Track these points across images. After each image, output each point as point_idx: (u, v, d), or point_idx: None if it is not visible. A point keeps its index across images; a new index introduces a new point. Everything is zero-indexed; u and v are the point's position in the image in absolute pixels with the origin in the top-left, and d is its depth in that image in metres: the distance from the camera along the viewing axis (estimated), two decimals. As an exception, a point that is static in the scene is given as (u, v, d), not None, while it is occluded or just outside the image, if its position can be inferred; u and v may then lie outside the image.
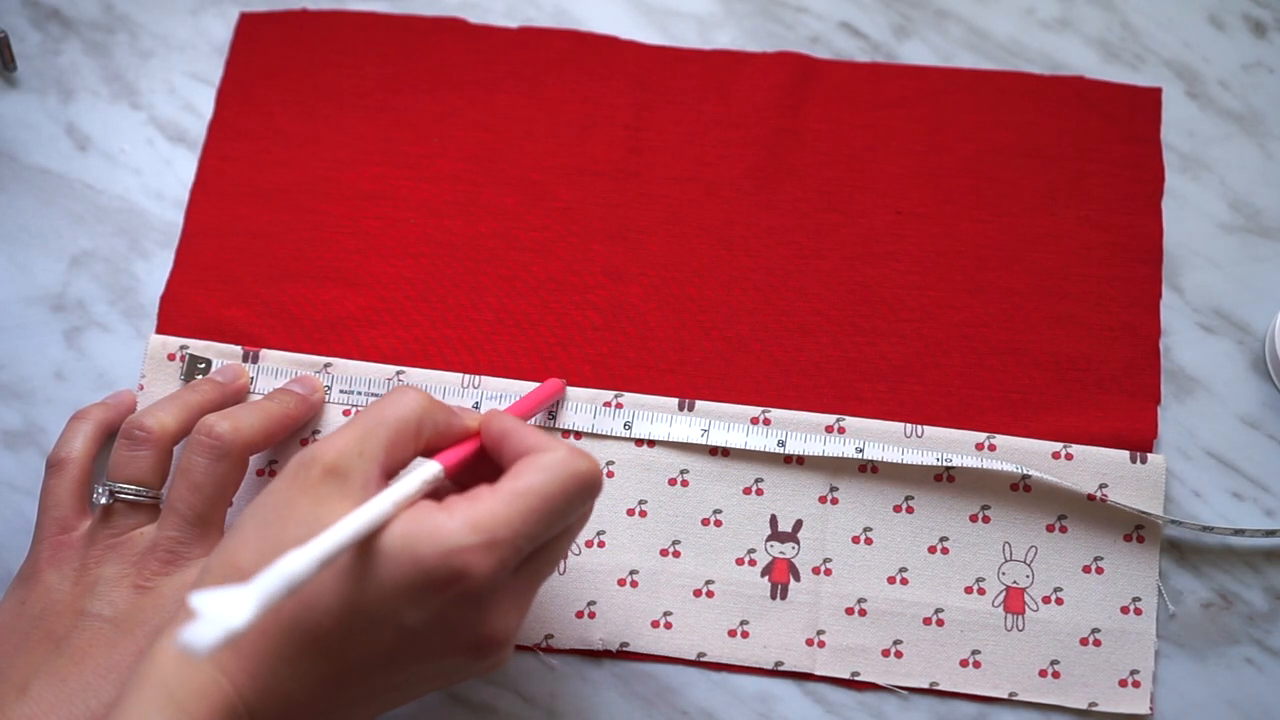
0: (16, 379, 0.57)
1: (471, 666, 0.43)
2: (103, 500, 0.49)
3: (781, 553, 0.54)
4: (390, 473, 0.43)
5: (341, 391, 0.56)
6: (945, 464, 0.54)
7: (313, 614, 0.40)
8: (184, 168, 0.60)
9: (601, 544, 0.54)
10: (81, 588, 0.48)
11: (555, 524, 0.42)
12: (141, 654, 0.45)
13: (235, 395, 0.55)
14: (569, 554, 0.54)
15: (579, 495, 0.42)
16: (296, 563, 0.36)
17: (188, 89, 0.62)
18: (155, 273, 0.59)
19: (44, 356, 0.58)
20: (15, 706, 0.44)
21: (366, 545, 0.40)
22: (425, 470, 0.42)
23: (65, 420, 0.54)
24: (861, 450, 0.54)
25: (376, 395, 0.56)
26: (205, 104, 0.61)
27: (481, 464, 0.45)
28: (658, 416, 0.55)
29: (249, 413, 0.51)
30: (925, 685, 0.53)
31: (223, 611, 0.33)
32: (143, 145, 0.61)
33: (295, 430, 0.54)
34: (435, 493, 0.43)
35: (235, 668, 0.39)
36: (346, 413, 0.56)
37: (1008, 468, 0.53)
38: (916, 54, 0.62)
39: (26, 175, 0.60)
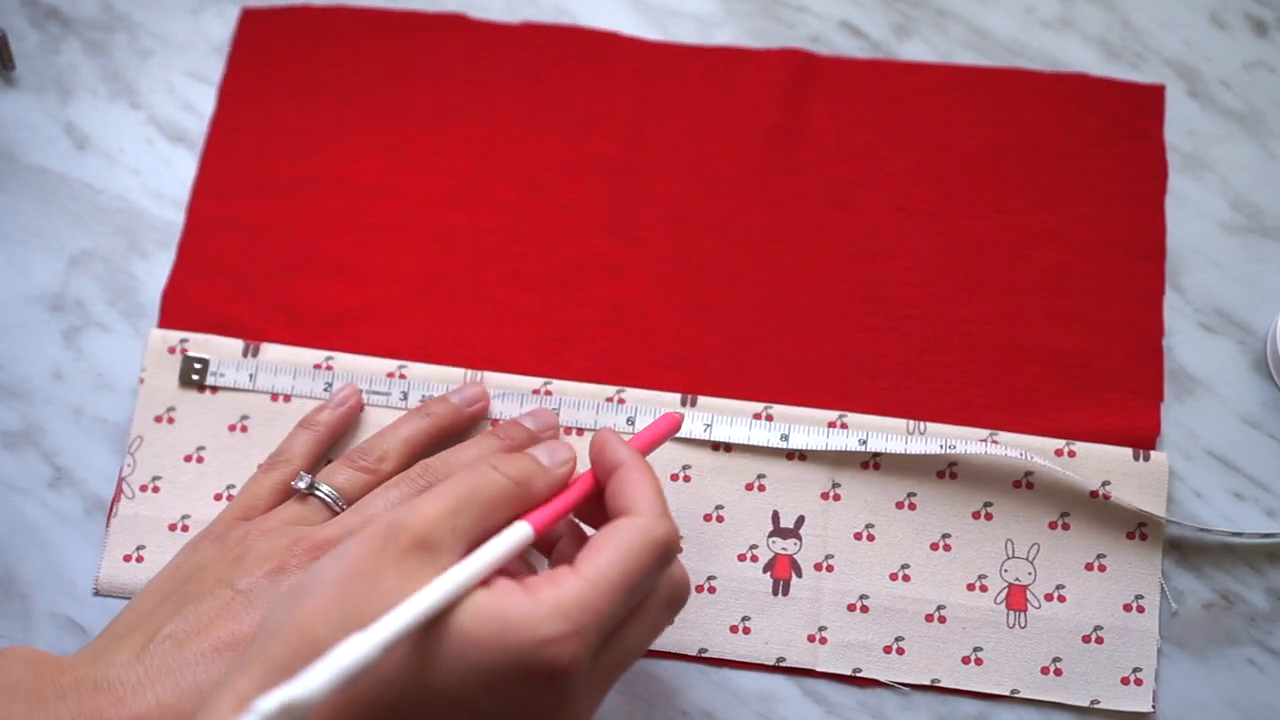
0: (15, 379, 0.57)
1: None
2: (300, 486, 0.49)
3: (783, 549, 0.54)
4: (478, 545, 0.41)
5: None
6: (949, 450, 0.53)
7: (390, 691, 0.38)
8: (183, 167, 0.60)
9: (602, 541, 0.54)
10: (232, 558, 0.46)
11: (635, 597, 0.40)
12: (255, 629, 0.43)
13: (471, 419, 0.55)
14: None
15: (657, 565, 0.41)
16: (363, 646, 0.35)
17: (187, 88, 0.62)
18: (154, 272, 0.58)
19: (43, 356, 0.57)
20: (128, 668, 0.43)
21: (446, 625, 0.38)
22: (513, 533, 0.41)
23: (64, 420, 0.54)
24: (865, 442, 0.54)
25: (379, 392, 0.55)
26: (205, 103, 0.61)
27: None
28: (659, 412, 0.55)
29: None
30: (927, 682, 0.53)
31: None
32: (142, 145, 0.61)
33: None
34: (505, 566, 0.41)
35: None
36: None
37: (1011, 454, 0.53)
38: (917, 53, 0.62)
39: (25, 175, 0.60)
